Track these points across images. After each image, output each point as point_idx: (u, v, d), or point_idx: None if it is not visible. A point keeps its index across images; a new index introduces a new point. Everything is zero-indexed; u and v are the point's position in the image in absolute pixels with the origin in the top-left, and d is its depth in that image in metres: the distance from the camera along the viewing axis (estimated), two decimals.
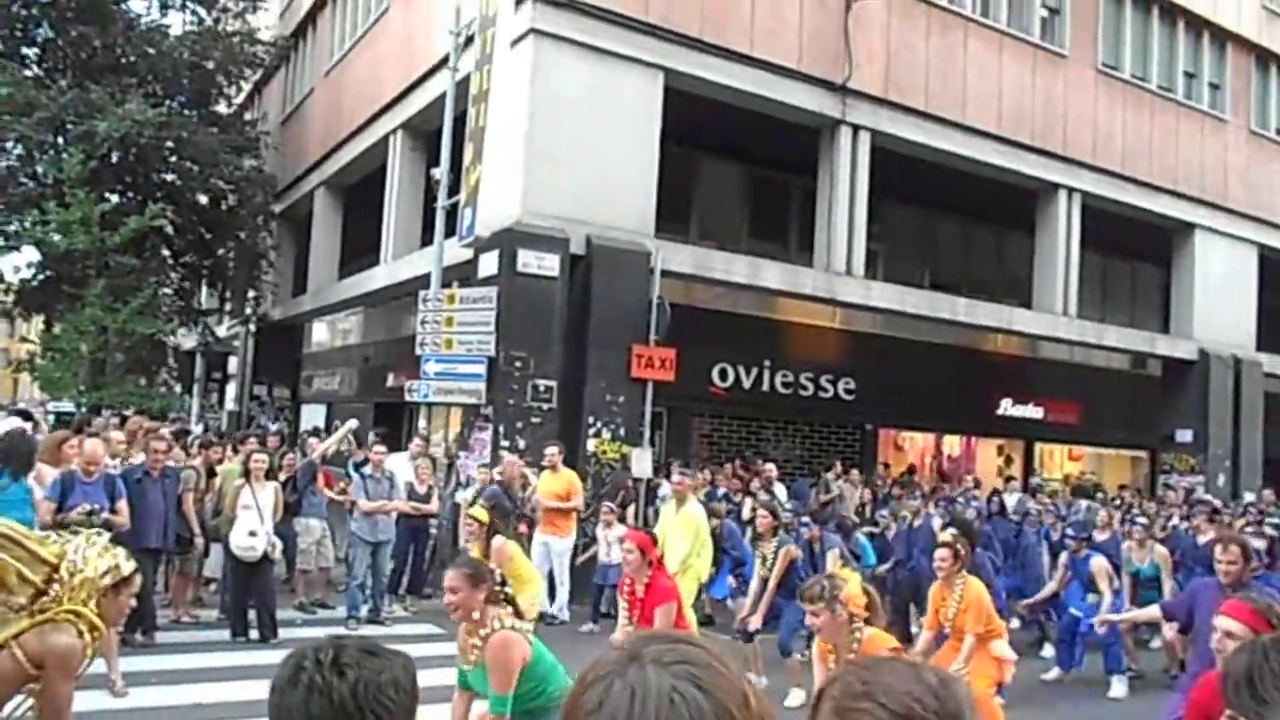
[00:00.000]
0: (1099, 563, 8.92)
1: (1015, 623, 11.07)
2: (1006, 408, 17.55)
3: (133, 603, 3.81)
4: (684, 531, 8.85)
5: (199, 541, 9.17)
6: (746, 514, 10.81)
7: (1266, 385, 18.85)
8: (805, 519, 9.79)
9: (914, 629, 9.84)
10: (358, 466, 11.05)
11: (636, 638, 1.08)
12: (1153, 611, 7.43)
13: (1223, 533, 6.67)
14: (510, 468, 10.32)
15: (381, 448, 10.32)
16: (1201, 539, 9.99)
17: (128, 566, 3.68)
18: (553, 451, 10.32)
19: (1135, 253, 19.88)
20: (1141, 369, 18.99)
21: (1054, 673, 9.11)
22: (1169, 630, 8.66)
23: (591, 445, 11.70)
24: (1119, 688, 8.58)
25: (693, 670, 0.99)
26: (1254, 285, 19.11)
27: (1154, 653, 10.02)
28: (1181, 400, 18.20)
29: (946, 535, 7.07)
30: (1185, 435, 18.05)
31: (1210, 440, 17.82)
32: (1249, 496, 16.62)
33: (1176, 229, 18.38)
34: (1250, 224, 18.97)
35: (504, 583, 4.35)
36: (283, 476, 9.65)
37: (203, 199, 19.62)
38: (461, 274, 12.23)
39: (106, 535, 3.86)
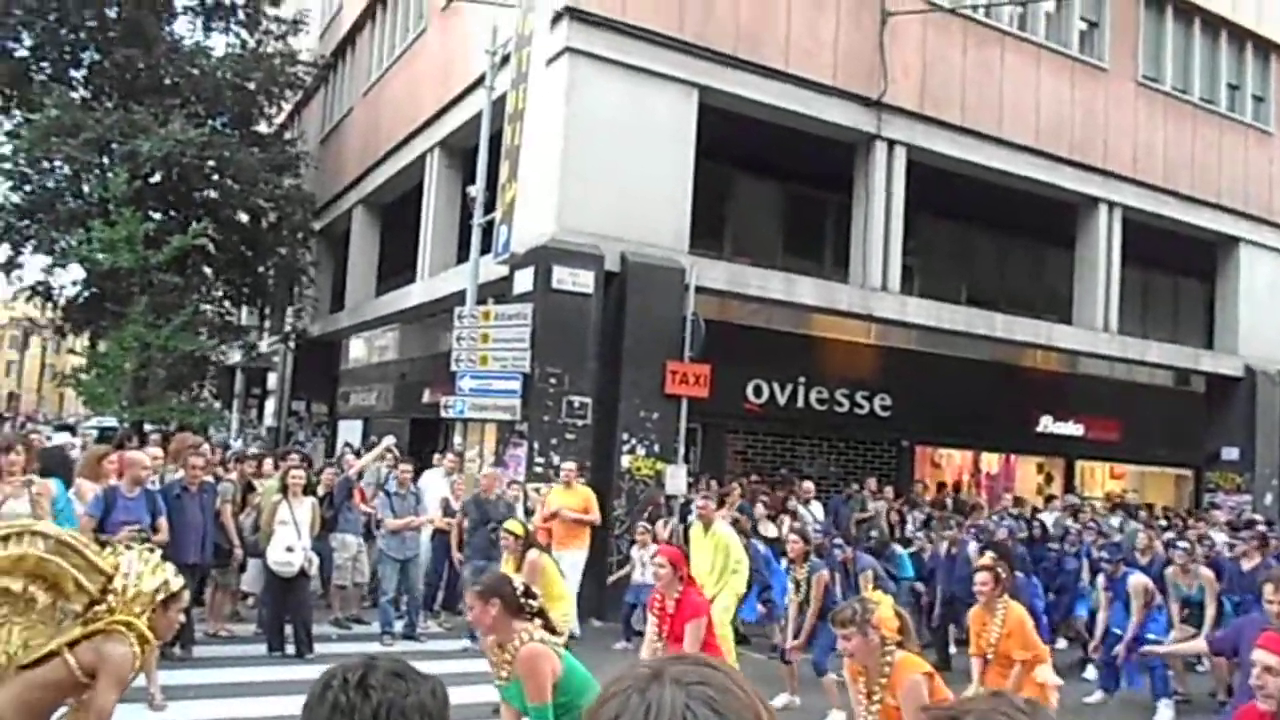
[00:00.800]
0: (1137, 580, 8.78)
1: (1062, 643, 10.94)
2: (1046, 425, 17.29)
3: (181, 618, 3.87)
4: (714, 554, 8.74)
5: (238, 553, 9.26)
6: (779, 532, 10.73)
7: None
8: (838, 541, 9.70)
9: (952, 650, 9.72)
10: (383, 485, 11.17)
11: (664, 657, 1.10)
12: (1199, 645, 7.30)
13: (1274, 572, 6.45)
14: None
15: (407, 466, 10.40)
16: (1246, 564, 9.72)
17: (177, 583, 3.76)
18: (569, 468, 10.29)
19: (1178, 267, 19.56)
20: (1185, 385, 18.65)
21: (1097, 695, 8.94)
22: (1200, 643, 8.49)
23: (626, 462, 11.68)
24: (1165, 712, 8.39)
25: (709, 692, 1.01)
26: None
27: (1201, 676, 9.79)
28: (1227, 417, 17.85)
29: (986, 559, 6.97)
30: (1231, 453, 17.69)
31: (1257, 458, 17.44)
32: None
33: (1220, 243, 18.07)
34: None
35: (530, 594, 4.29)
36: (320, 492, 9.73)
37: (243, 217, 19.93)
38: (497, 291, 12.30)
39: (159, 552, 3.94)
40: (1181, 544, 9.80)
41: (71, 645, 3.45)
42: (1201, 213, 17.34)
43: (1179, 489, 19.54)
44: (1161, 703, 8.43)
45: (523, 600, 4.19)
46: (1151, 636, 8.65)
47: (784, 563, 9.65)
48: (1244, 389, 17.65)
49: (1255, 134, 18.32)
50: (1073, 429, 17.51)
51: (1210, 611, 8.86)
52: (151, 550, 3.91)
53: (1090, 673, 9.93)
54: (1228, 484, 17.65)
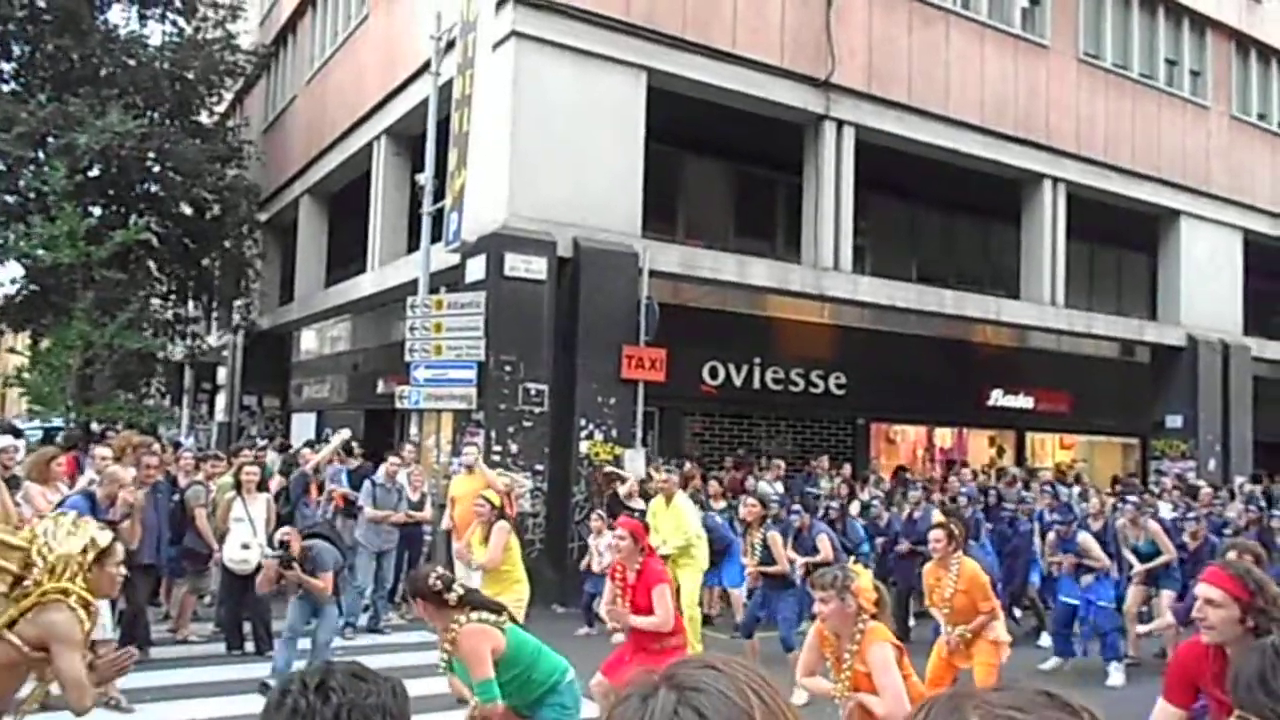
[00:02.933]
0: (1086, 537, 9.09)
1: (1017, 612, 11.18)
2: (997, 398, 17.60)
3: (122, 571, 3.82)
4: (675, 526, 8.91)
5: (217, 555, 9.02)
6: (743, 512, 10.82)
7: (1254, 369, 18.95)
8: (795, 508, 9.85)
9: (911, 622, 9.89)
10: (349, 475, 11.06)
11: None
12: (1167, 620, 7.70)
13: (1237, 541, 6.75)
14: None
15: (396, 459, 10.33)
16: (1191, 542, 9.89)
17: (104, 537, 3.69)
18: (469, 451, 9.83)
19: (1121, 241, 19.96)
20: (1130, 356, 19.07)
21: (1052, 662, 9.15)
22: (1168, 614, 8.76)
23: (584, 448, 11.69)
24: (1117, 676, 8.60)
25: (699, 697, 1.03)
26: (1239, 270, 19.20)
27: (1151, 639, 10.03)
28: (1171, 386, 18.29)
29: (938, 517, 7.30)
30: (1175, 421, 18.14)
31: (1200, 425, 17.90)
32: (1239, 480, 16.71)
33: (1161, 216, 18.46)
34: (1234, 209, 19.07)
35: (449, 586, 4.43)
36: (274, 487, 9.61)
37: (187, 209, 19.52)
38: (449, 279, 12.21)
39: (72, 514, 3.86)
40: (1131, 498, 10.22)
41: (11, 626, 3.40)
42: (1142, 186, 17.70)
43: (1126, 457, 20.02)
44: (1112, 666, 8.65)
45: (443, 593, 4.39)
46: (1101, 603, 8.89)
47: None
48: (1186, 358, 18.09)
49: (1193, 108, 18.71)
50: (1023, 401, 17.85)
51: (1164, 558, 9.22)
52: (64, 513, 3.86)
53: (1045, 640, 10.17)
54: (1173, 451, 18.10)
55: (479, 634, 4.30)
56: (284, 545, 6.67)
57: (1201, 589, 3.39)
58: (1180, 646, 3.76)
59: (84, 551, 3.57)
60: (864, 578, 4.49)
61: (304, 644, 8.99)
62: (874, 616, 4.50)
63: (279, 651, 7.28)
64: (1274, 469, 18.23)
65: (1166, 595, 9.29)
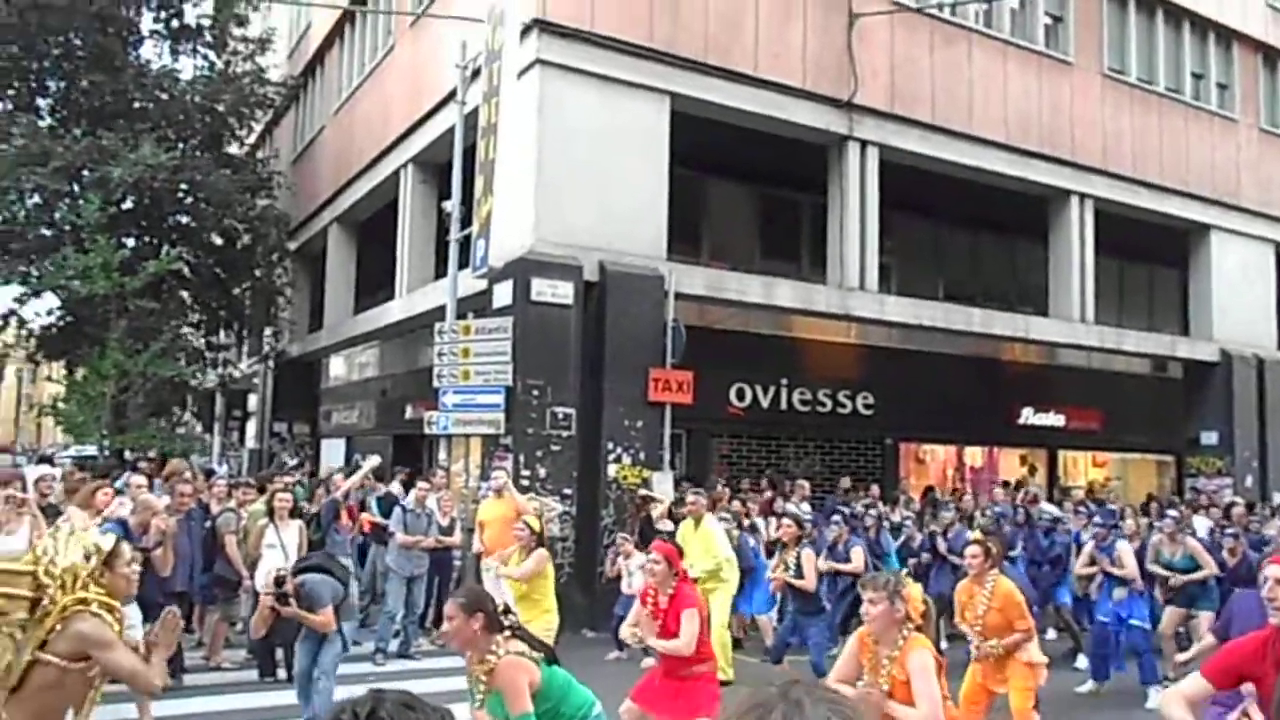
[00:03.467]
0: (1124, 545, 8.98)
1: (1051, 634, 11.03)
2: (1027, 417, 17.44)
3: (136, 569, 3.86)
4: (703, 549, 8.88)
5: (247, 583, 9.04)
6: (772, 533, 10.77)
7: None
8: (835, 518, 9.84)
9: (944, 645, 9.78)
10: (379, 501, 11.13)
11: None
12: (1209, 642, 7.54)
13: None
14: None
15: (425, 484, 10.41)
16: (1230, 560, 9.73)
17: (107, 541, 3.75)
18: (498, 475, 9.93)
19: (1151, 256, 19.78)
20: (1163, 372, 18.84)
21: (1088, 685, 9.01)
22: (1209, 637, 8.61)
23: (612, 471, 11.69)
24: (1155, 698, 8.45)
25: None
26: (1273, 283, 18.98)
27: (1189, 662, 9.86)
28: (1205, 402, 18.05)
29: (976, 534, 7.30)
30: (1210, 437, 17.88)
31: (1236, 441, 17.64)
32: (1278, 496, 16.43)
33: (1191, 230, 18.28)
34: (1264, 222, 18.86)
35: (508, 611, 4.41)
36: (311, 509, 9.69)
37: (218, 239, 19.80)
38: (476, 305, 12.29)
39: (68, 525, 3.92)
40: (1171, 513, 10.08)
41: (42, 647, 3.46)
42: (1171, 201, 17.55)
43: (1161, 475, 19.72)
44: (1151, 690, 8.50)
45: (502, 617, 4.30)
46: (1135, 622, 8.75)
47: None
48: (1220, 373, 17.86)
49: (1220, 121, 18.57)
50: (1054, 419, 17.66)
51: (1204, 572, 9.06)
52: (59, 527, 3.91)
53: (1081, 662, 10.02)
54: (1208, 468, 17.83)
55: (518, 666, 4.21)
56: (279, 583, 6.40)
57: (1271, 570, 3.44)
58: (1242, 639, 3.73)
59: (87, 558, 3.63)
60: (914, 589, 4.45)
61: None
62: (919, 629, 4.45)
63: (302, 702, 6.88)
64: None
65: (1205, 617, 9.10)
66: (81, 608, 3.51)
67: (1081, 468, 19.13)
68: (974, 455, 17.96)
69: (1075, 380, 17.75)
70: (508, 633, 4.32)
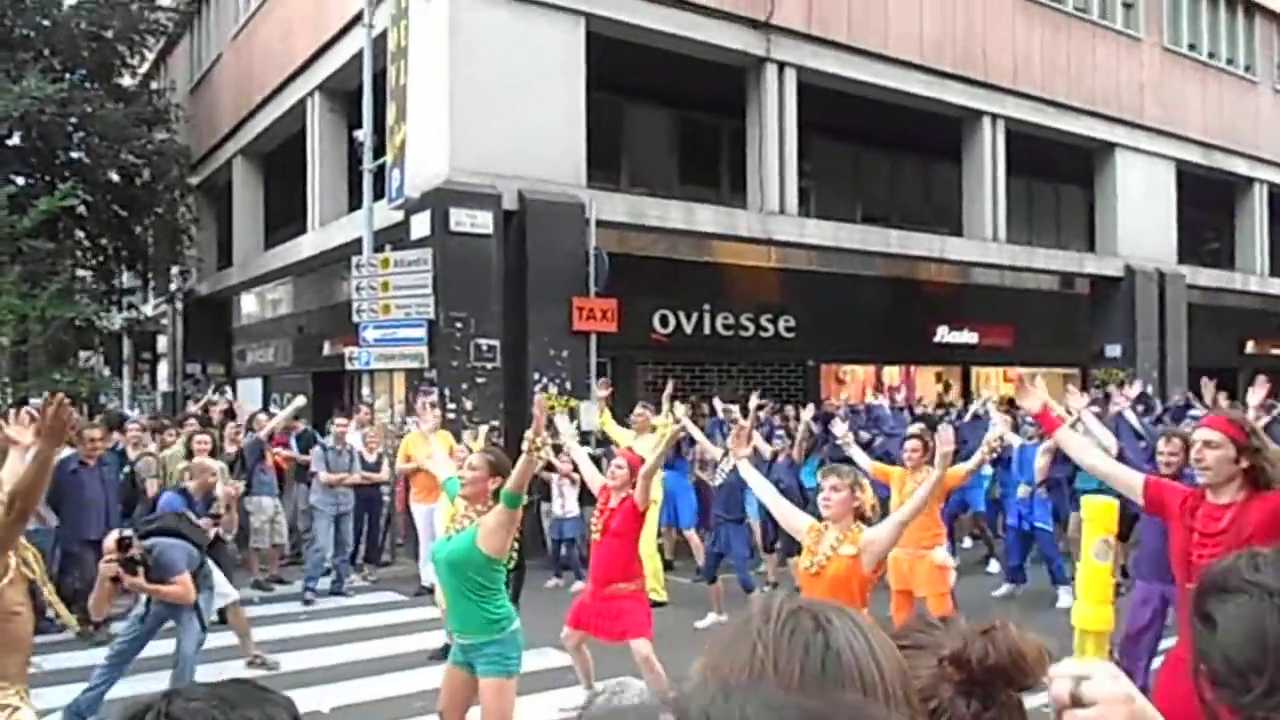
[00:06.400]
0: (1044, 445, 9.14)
1: (967, 541, 11.48)
2: (943, 335, 17.89)
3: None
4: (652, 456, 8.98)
5: None
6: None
7: (1188, 296, 19.45)
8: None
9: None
10: (300, 441, 10.95)
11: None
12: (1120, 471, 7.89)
13: (1166, 428, 7.17)
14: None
15: (344, 420, 10.23)
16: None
17: None
18: (434, 409, 9.84)
19: (1059, 175, 20.24)
20: (1070, 288, 19.45)
21: (1004, 589, 9.42)
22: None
23: (539, 401, 11.64)
24: (1066, 598, 8.88)
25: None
26: (1173, 200, 19.60)
27: None
28: (1109, 316, 18.72)
29: (915, 429, 7.60)
30: (1114, 350, 18.59)
31: (1138, 353, 18.38)
32: (1177, 396, 17.21)
33: (1097, 149, 18.73)
34: (1167, 140, 19.40)
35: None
36: (230, 450, 9.49)
37: (114, 176, 18.90)
38: (393, 237, 12.00)
39: None
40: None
41: None
42: (1079, 120, 17.92)
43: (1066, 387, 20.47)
44: (1061, 589, 8.91)
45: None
46: (1039, 525, 9.12)
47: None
48: (1124, 288, 18.51)
49: (1126, 40, 18.92)
50: (967, 337, 18.16)
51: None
52: None
53: (994, 567, 10.48)
54: (1111, 379, 18.57)
55: (514, 519, 4.36)
56: (122, 545, 5.49)
57: (1201, 433, 3.66)
58: (1179, 485, 4.06)
59: None
60: (869, 492, 4.55)
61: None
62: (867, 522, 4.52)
63: (96, 677, 5.82)
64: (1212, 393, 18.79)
65: None
66: None
67: (994, 383, 19.76)
68: (891, 374, 18.39)
69: (987, 298, 18.22)
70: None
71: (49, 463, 3.51)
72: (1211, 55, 20.67)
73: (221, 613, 7.15)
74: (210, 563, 7.00)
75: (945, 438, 4.54)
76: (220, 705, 1.14)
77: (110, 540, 5.62)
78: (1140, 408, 11.27)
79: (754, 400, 10.52)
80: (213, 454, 8.86)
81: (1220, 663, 1.30)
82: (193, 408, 11.24)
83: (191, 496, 7.09)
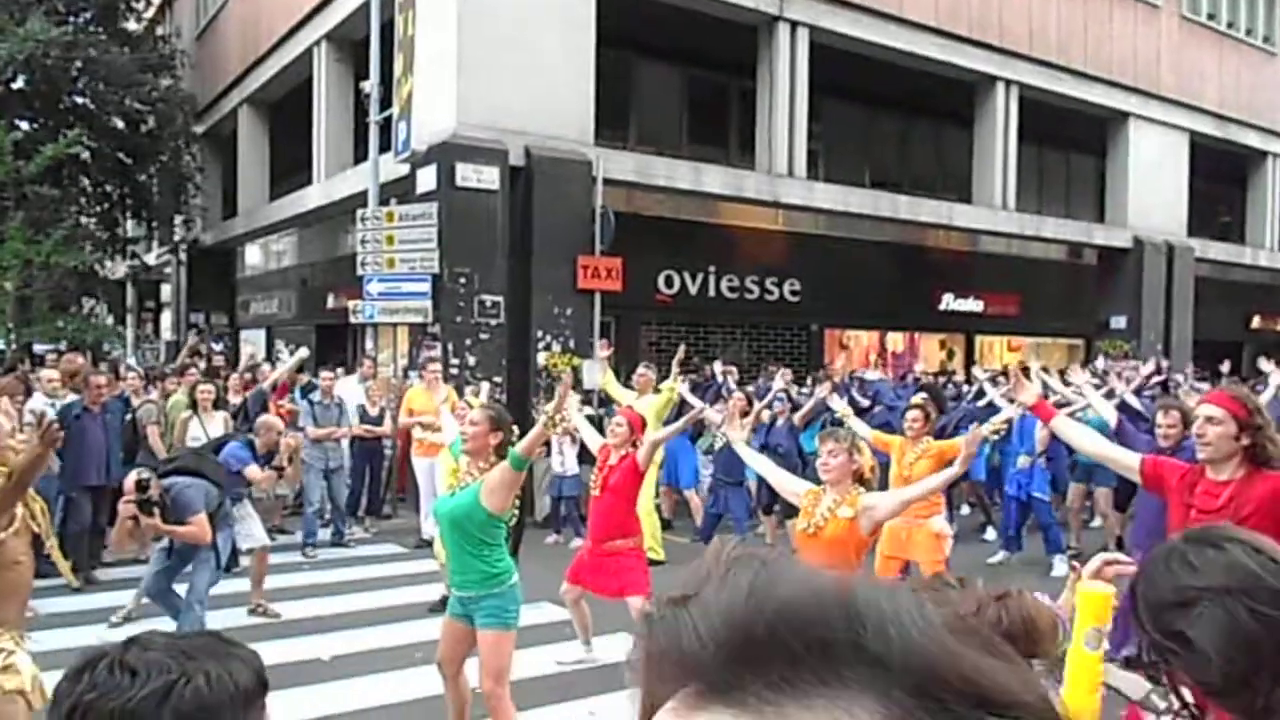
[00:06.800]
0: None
1: (965, 509, 11.53)
2: (948, 302, 17.83)
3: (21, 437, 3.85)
4: (653, 416, 9.01)
5: None
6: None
7: (1196, 270, 19.36)
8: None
9: None
10: (304, 392, 10.96)
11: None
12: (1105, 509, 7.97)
13: (1164, 400, 7.17)
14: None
15: (329, 373, 10.23)
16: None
17: None
18: (434, 365, 9.91)
19: (1071, 143, 20.05)
20: (1078, 258, 19.35)
21: (1000, 556, 9.47)
22: (1109, 512, 9.07)
23: (542, 359, 11.67)
24: (1061, 567, 8.93)
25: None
26: (1185, 172, 19.44)
27: (1094, 531, 10.45)
28: (1116, 287, 18.65)
29: (917, 399, 7.60)
30: (1119, 321, 18.54)
31: (1143, 325, 18.33)
32: (1178, 377, 17.20)
33: (1110, 118, 18.54)
34: (1181, 110, 19.20)
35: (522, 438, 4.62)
36: (234, 400, 9.52)
37: (119, 123, 18.76)
38: (399, 190, 11.93)
39: None
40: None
41: None
42: (1094, 88, 17.72)
43: (1070, 358, 20.45)
44: (1056, 558, 8.96)
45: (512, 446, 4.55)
46: (1036, 494, 9.15)
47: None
48: (1132, 260, 18.42)
49: (1143, 8, 18.65)
50: (973, 305, 18.10)
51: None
52: None
53: (990, 534, 10.53)
54: (1115, 350, 18.54)
55: (517, 479, 4.39)
56: (140, 486, 5.50)
57: (1203, 409, 3.66)
58: (1179, 462, 4.04)
59: None
60: (866, 455, 4.56)
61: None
62: (865, 485, 4.54)
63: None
64: (1213, 367, 18.77)
65: (1103, 492, 9.58)
66: None
67: (997, 352, 19.73)
68: (895, 340, 18.36)
69: (994, 266, 18.14)
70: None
71: (44, 458, 3.66)
72: (1230, 25, 20.37)
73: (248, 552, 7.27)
74: (247, 504, 7.10)
75: (971, 439, 4.54)
76: (178, 657, 1.16)
77: (130, 480, 5.63)
78: (1156, 387, 11.27)
79: (718, 365, 10.66)
80: (216, 404, 8.91)
81: (1218, 678, 1.29)
82: (175, 364, 11.19)
83: (256, 449, 7.12)
